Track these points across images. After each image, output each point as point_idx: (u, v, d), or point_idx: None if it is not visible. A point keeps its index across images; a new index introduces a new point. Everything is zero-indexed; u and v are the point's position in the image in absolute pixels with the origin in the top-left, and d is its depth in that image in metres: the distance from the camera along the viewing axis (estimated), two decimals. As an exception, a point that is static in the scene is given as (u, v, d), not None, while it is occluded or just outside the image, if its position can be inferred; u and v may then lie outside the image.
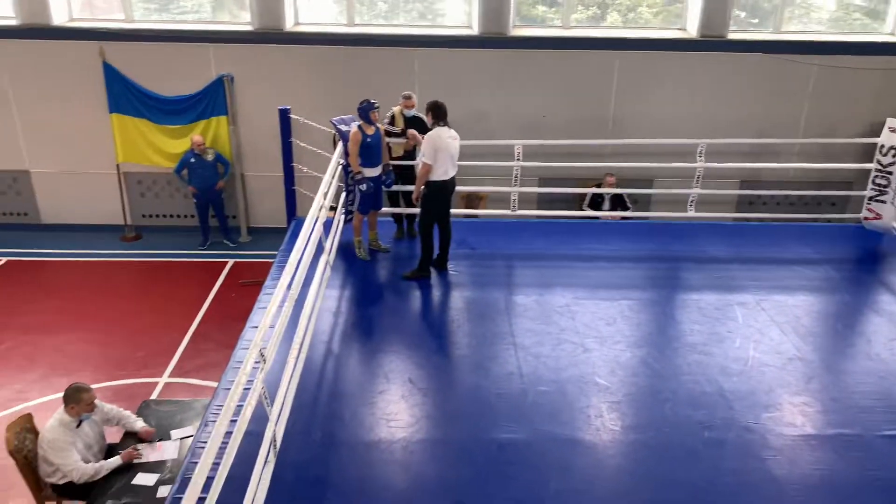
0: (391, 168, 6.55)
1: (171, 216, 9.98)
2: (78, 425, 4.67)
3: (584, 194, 9.01)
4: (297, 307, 4.88)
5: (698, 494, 3.95)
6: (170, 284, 8.66)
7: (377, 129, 6.24)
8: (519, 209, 7.40)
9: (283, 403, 4.34)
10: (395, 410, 4.59)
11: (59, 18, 9.03)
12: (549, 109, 9.37)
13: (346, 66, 9.20)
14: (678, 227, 7.62)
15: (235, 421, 3.55)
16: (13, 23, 8.96)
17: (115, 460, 4.66)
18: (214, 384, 6.57)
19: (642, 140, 8.58)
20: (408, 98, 6.85)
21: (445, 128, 5.95)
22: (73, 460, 4.51)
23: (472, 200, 9.09)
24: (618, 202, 9.06)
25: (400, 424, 4.45)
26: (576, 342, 5.34)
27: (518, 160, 7.09)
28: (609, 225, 8.18)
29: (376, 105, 6.17)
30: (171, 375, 6.86)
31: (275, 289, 6.25)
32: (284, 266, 4.82)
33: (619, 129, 9.39)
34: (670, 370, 5.06)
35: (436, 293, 6.09)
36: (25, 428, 4.85)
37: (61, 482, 4.61)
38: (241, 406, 3.65)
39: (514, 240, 7.16)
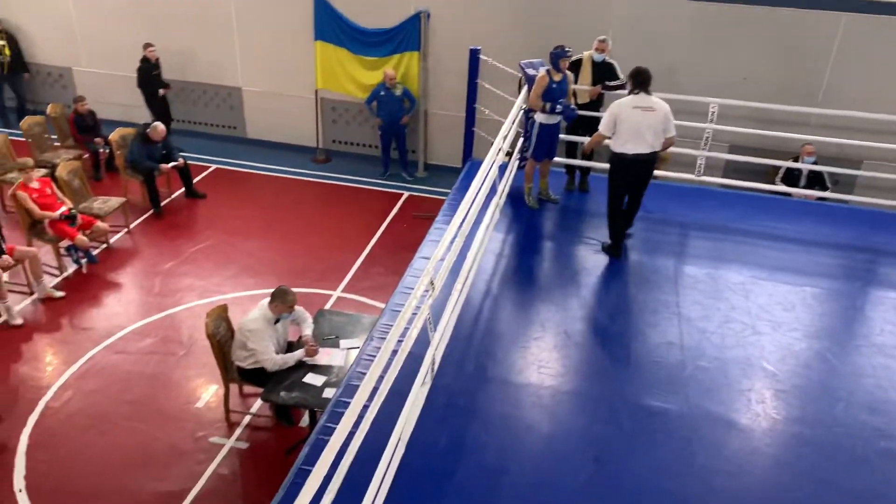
0: (574, 107, 6.32)
1: (358, 144, 10.57)
2: (276, 322, 5.23)
3: (779, 167, 8.32)
4: (465, 245, 5.07)
5: (861, 504, 3.68)
6: (350, 208, 9.25)
7: (565, 76, 6.14)
8: (703, 175, 7.02)
9: (443, 332, 4.59)
10: (548, 359, 4.66)
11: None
12: (752, 70, 8.65)
13: (542, 10, 9.05)
14: (884, 216, 6.85)
15: (401, 341, 3.82)
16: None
17: (300, 353, 5.19)
18: (381, 304, 7.07)
19: (861, 113, 7.64)
20: (602, 41, 6.65)
21: (640, 97, 5.45)
22: (269, 349, 5.09)
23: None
24: (816, 180, 8.28)
25: (550, 372, 4.53)
26: (746, 322, 5.06)
27: (711, 121, 6.68)
28: (803, 204, 7.52)
29: (569, 52, 6.06)
30: (344, 290, 7.41)
31: (446, 225, 6.50)
32: (457, 205, 4.99)
33: (831, 99, 8.47)
34: (850, 368, 4.67)
35: (601, 254, 5.99)
36: (221, 316, 5.53)
37: (250, 367, 5.22)
38: (408, 328, 3.91)
39: (694, 207, 6.82)
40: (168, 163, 8.75)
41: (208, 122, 10.98)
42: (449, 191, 9.47)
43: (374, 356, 4.85)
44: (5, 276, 6.70)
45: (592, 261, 5.87)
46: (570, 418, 4.20)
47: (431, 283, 4.19)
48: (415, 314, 3.99)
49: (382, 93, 9.46)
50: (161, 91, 9.90)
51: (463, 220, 4.90)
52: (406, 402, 3.90)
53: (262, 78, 10.46)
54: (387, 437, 3.67)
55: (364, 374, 4.64)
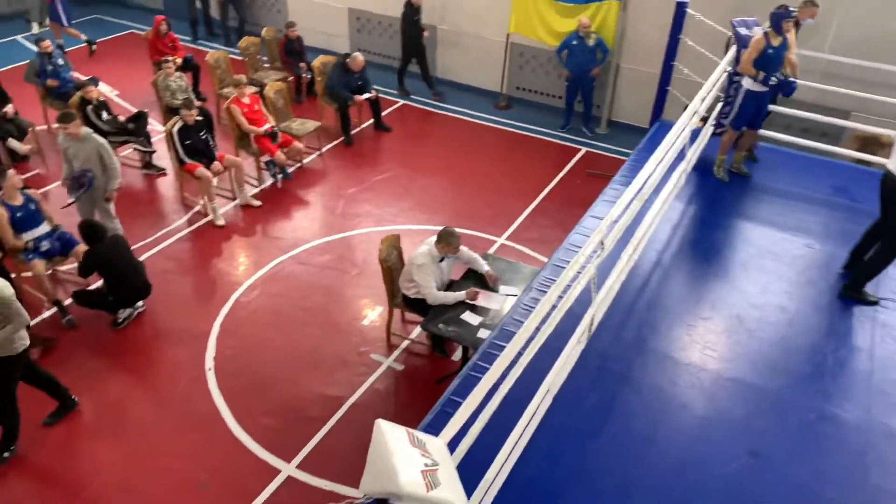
0: (793, 81, 5.81)
1: (541, 93, 10.45)
2: (441, 261, 5.46)
3: None
4: (642, 210, 4.92)
5: None
6: (526, 157, 9.25)
7: (784, 41, 5.61)
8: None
9: (606, 294, 4.54)
10: (715, 341, 4.47)
11: None
12: None
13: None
14: None
15: (562, 297, 3.83)
16: None
17: (461, 294, 5.39)
18: (543, 257, 7.09)
19: None
20: (811, 5, 5.98)
21: None
22: (431, 285, 5.34)
23: (870, 145, 7.82)
24: None
25: (715, 356, 4.34)
26: (954, 340, 4.50)
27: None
28: None
29: (794, 13, 5.52)
30: (508, 238, 7.51)
31: (623, 186, 6.32)
32: (638, 167, 4.82)
33: None
34: None
35: (792, 240, 5.55)
36: (394, 245, 5.84)
37: (413, 296, 5.52)
38: (570, 285, 3.91)
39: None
40: (362, 94, 9.21)
41: (399, 56, 11.33)
42: (630, 151, 9.15)
43: (533, 307, 4.94)
44: (214, 181, 7.51)
45: (781, 246, 5.46)
46: (730, 406, 4.03)
47: (601, 243, 4.14)
48: (580, 272, 3.99)
49: (575, 42, 9.22)
50: (425, 33, 10.19)
51: (644, 184, 4.75)
52: (559, 357, 3.95)
53: (457, 18, 10.57)
54: (535, 387, 3.76)
55: (520, 321, 4.74)
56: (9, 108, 7.99)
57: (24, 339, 4.69)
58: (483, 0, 10.18)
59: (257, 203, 7.82)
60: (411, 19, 9.97)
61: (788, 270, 5.20)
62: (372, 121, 9.70)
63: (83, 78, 8.60)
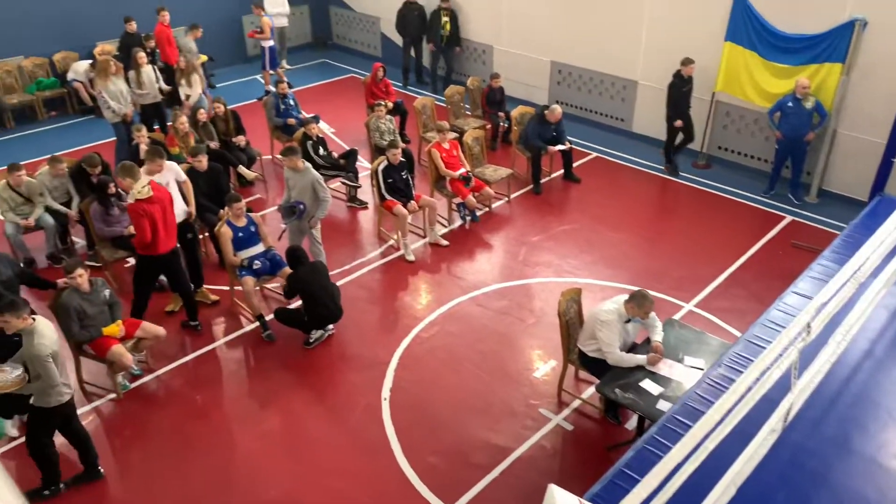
0: None
1: (745, 155, 9.90)
2: (626, 322, 5.32)
3: None
4: (856, 293, 4.45)
5: None
6: (723, 220, 8.77)
7: None
8: None
9: (809, 383, 4.14)
10: (938, 452, 3.88)
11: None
12: None
13: None
14: None
15: (759, 379, 3.55)
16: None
17: (642, 359, 5.21)
18: (734, 330, 6.64)
19: None
20: None
21: None
22: (614, 344, 5.22)
23: None
24: None
25: (938, 470, 3.77)
26: None
27: None
28: None
29: None
30: (697, 305, 7.12)
31: (835, 263, 5.78)
32: (855, 244, 4.39)
33: None
34: None
35: None
36: (574, 299, 5.79)
37: (592, 355, 5.41)
38: (769, 368, 3.62)
39: None
40: (556, 145, 9.32)
41: (596, 110, 11.35)
42: (842, 224, 8.38)
43: (721, 384, 4.64)
44: (409, 218, 7.95)
45: None
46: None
47: (808, 326, 3.80)
48: (781, 355, 3.68)
49: (790, 104, 8.65)
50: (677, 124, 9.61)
51: (862, 265, 4.31)
52: (748, 446, 3.65)
53: (660, 74, 10.38)
54: (718, 475, 3.49)
55: (707, 399, 4.47)
56: (241, 139, 9.09)
57: (60, 396, 4.71)
58: (696, 59, 9.90)
59: (445, 242, 8.16)
60: (681, 90, 9.45)
61: None
62: (562, 171, 9.76)
63: (307, 116, 9.59)
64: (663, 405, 4.82)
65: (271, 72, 12.16)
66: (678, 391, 4.95)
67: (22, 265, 6.43)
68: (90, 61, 10.93)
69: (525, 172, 9.55)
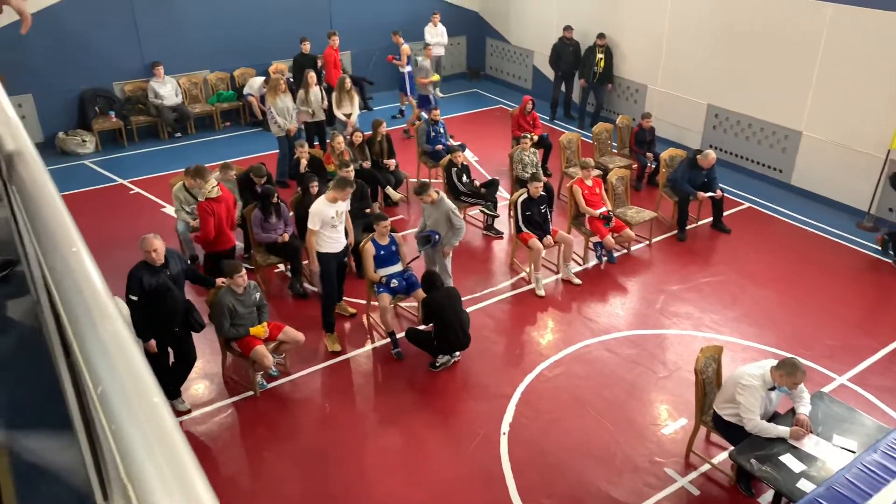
0: None
1: (922, 220, 9.00)
2: (771, 389, 4.97)
3: None
4: None
5: None
6: (889, 288, 7.99)
7: None
8: None
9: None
10: None
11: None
12: None
13: None
14: None
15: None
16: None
17: (784, 430, 4.84)
18: (894, 413, 6.00)
19: None
20: None
21: None
22: (755, 411, 4.88)
23: None
24: None
25: None
26: None
27: None
28: None
29: None
30: (851, 380, 6.51)
31: None
32: None
33: None
34: None
35: None
36: (714, 357, 5.48)
37: (727, 418, 5.10)
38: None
39: None
40: (706, 191, 8.94)
41: (753, 158, 10.77)
42: None
43: (876, 473, 4.21)
44: (543, 253, 7.91)
45: None
46: None
47: None
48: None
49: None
50: None
51: None
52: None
53: (827, 126, 9.70)
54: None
55: (857, 486, 4.08)
56: (391, 162, 9.48)
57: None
58: (861, 111, 9.20)
59: (578, 281, 8.03)
60: None
61: None
62: (710, 219, 9.33)
63: (455, 143, 9.85)
64: (805, 485, 4.43)
65: (407, 100, 12.58)
66: (823, 472, 4.54)
67: (189, 262, 7.05)
68: (264, 78, 11.88)
69: (670, 217, 9.22)
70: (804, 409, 5.02)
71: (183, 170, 8.17)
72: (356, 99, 10.76)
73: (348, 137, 9.43)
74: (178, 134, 11.98)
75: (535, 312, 7.57)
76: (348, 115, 10.53)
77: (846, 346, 6.92)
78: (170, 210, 8.89)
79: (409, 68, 12.15)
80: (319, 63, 11.80)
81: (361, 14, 13.48)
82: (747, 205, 9.93)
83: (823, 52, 9.49)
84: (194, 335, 6.03)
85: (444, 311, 6.42)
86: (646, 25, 11.81)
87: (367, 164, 9.15)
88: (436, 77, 12.14)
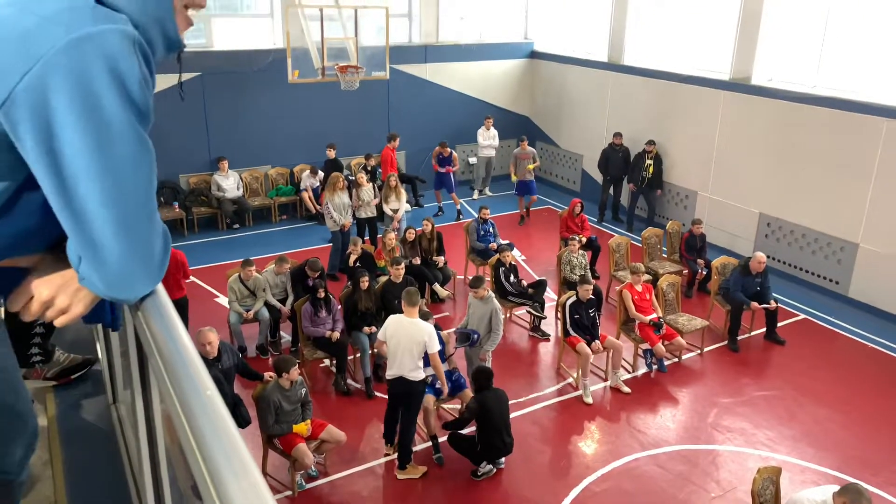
0: None
1: None
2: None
3: None
4: None
5: None
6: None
7: None
8: None
9: None
10: None
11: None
12: None
13: None
14: None
15: None
16: None
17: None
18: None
19: None
20: None
21: None
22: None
23: None
24: None
25: None
26: None
27: None
28: None
29: None
30: (924, 511, 6.08)
31: None
32: None
33: None
34: None
35: None
36: (771, 479, 5.20)
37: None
38: None
39: None
40: (760, 301, 8.75)
41: (808, 269, 10.56)
42: None
43: None
44: (592, 358, 7.78)
45: None
46: None
47: None
48: None
49: None
50: None
51: None
52: None
53: (886, 238, 9.51)
54: None
55: None
56: (440, 259, 9.63)
57: None
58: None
59: (627, 389, 7.82)
60: None
61: None
62: (764, 329, 9.08)
63: (503, 243, 9.98)
64: None
65: (448, 199, 13.04)
66: None
67: (240, 355, 7.17)
68: (310, 168, 12.43)
69: (722, 326, 9.01)
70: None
71: (240, 261, 8.44)
72: (403, 195, 11.13)
73: (401, 234, 9.66)
74: (237, 225, 12.46)
75: (581, 421, 7.36)
76: (395, 211, 10.87)
77: (916, 474, 6.50)
78: (223, 301, 9.12)
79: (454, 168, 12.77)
80: (373, 161, 12.23)
81: (419, 116, 14.11)
82: (803, 316, 9.65)
83: (879, 165, 9.45)
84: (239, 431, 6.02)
85: (493, 413, 6.27)
86: (696, 135, 12.01)
87: (416, 261, 9.31)
88: (531, 165, 12.97)
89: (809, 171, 10.30)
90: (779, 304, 9.05)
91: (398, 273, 8.02)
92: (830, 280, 10.29)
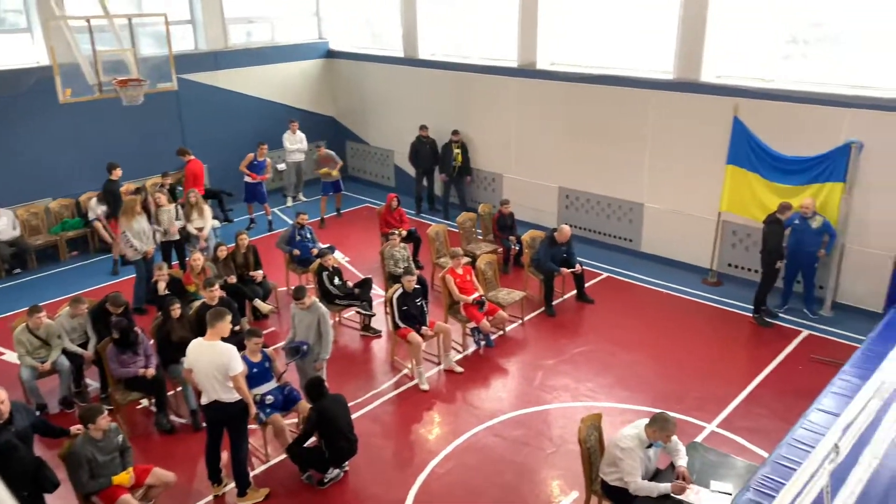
0: None
1: (755, 271, 9.93)
2: (648, 447, 5.17)
3: None
4: (882, 408, 4.33)
5: None
6: (739, 337, 8.70)
7: None
8: None
9: (843, 507, 3.95)
10: None
11: (706, 76, 9.96)
12: None
13: None
14: None
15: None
16: (669, 77, 10.30)
17: (666, 487, 5.02)
18: (759, 450, 6.42)
19: None
20: None
21: None
22: (636, 472, 5.05)
23: None
24: None
25: None
26: None
27: None
28: None
29: None
30: (719, 426, 6.92)
31: (856, 378, 5.68)
32: (874, 355, 4.35)
33: None
34: None
35: None
36: (595, 425, 5.65)
37: (613, 483, 5.22)
38: (800, 494, 3.48)
39: None
40: (568, 267, 9.46)
41: (605, 231, 11.59)
42: (858, 337, 8.30)
43: (751, 513, 4.43)
44: (423, 346, 7.94)
45: None
46: None
47: (836, 447, 3.68)
48: (811, 478, 3.54)
49: (797, 221, 8.80)
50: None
51: (886, 379, 4.23)
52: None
53: (665, 196, 10.69)
54: None
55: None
56: (258, 274, 9.29)
57: None
58: (692, 180, 10.26)
59: (460, 369, 8.09)
60: (783, 230, 8.75)
61: None
62: (574, 292, 9.83)
63: (323, 246, 9.85)
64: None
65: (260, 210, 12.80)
66: (708, 522, 4.73)
67: (37, 413, 6.39)
68: (97, 195, 11.31)
69: (538, 295, 9.62)
70: (682, 461, 5.25)
71: (26, 310, 7.51)
72: (208, 212, 10.61)
73: (210, 253, 9.20)
74: (17, 270, 11.09)
75: (420, 408, 7.50)
76: (200, 229, 10.35)
77: (711, 396, 7.39)
78: (12, 357, 8.08)
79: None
80: (170, 180, 11.43)
81: (217, 127, 13.49)
82: (606, 275, 10.58)
83: (651, 132, 10.58)
84: (47, 497, 5.39)
85: (335, 418, 6.18)
86: (495, 121, 12.68)
87: (232, 279, 8.91)
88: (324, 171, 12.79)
89: (596, 144, 11.29)
90: (584, 268, 9.84)
91: (213, 295, 7.60)
92: (625, 239, 11.37)
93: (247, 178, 12.49)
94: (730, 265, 10.25)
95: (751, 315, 9.11)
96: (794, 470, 3.41)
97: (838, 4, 9.03)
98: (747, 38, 9.80)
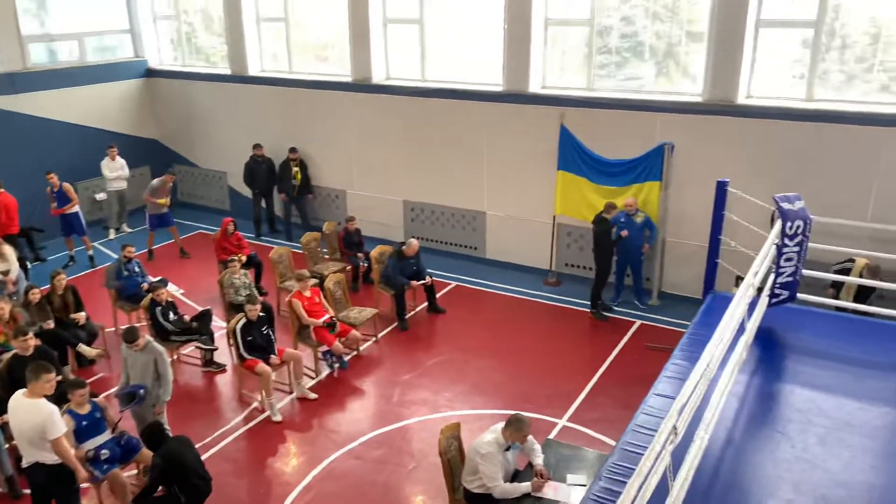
0: None
1: (590, 268, 10.55)
2: (506, 449, 5.25)
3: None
4: (708, 387, 4.71)
5: None
6: (579, 332, 9.18)
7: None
8: None
9: (683, 483, 4.22)
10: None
11: (534, 87, 10.46)
12: None
13: (799, 144, 8.60)
14: None
15: (641, 489, 3.58)
16: (499, 89, 10.69)
17: (526, 486, 5.13)
18: (607, 439, 6.76)
19: None
20: None
21: None
22: (498, 476, 5.10)
23: None
24: None
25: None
26: None
27: None
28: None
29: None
30: (570, 420, 7.24)
31: (686, 361, 6.13)
32: (699, 340, 4.70)
33: None
34: None
35: (870, 409, 5.19)
36: (454, 435, 5.67)
37: (476, 490, 5.25)
38: (647, 476, 3.67)
39: None
40: (417, 279, 9.50)
41: (452, 241, 11.80)
42: (684, 322, 9.01)
43: (605, 497, 4.63)
44: (273, 376, 7.59)
45: (859, 417, 5.09)
46: None
47: (675, 428, 3.93)
48: (656, 461, 3.75)
49: (622, 220, 9.47)
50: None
51: (710, 361, 4.59)
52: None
53: (504, 203, 11.09)
54: None
55: (593, 519, 4.41)
56: (80, 316, 8.41)
57: None
58: (527, 187, 10.72)
59: (313, 395, 7.82)
60: (610, 231, 9.29)
61: (872, 444, 4.82)
62: (426, 304, 9.89)
63: (154, 280, 9.13)
64: (554, 531, 4.71)
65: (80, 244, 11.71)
66: (568, 514, 4.89)
67: None
68: None
69: (390, 310, 9.55)
70: (538, 459, 5.40)
71: None
72: (11, 253, 9.39)
73: (20, 298, 8.19)
74: None
75: (274, 441, 7.14)
76: (6, 273, 9.16)
77: (559, 392, 7.71)
78: None
79: (76, 209, 11.25)
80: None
81: (20, 158, 12.10)
82: (454, 284, 10.76)
83: (487, 142, 10.93)
84: None
85: (183, 458, 5.66)
86: (334, 137, 12.47)
87: (49, 324, 7.96)
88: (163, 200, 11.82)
89: (437, 156, 11.46)
90: (434, 279, 9.93)
91: (26, 345, 6.68)
92: (470, 247, 11.65)
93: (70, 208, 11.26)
94: (567, 265, 10.81)
95: (589, 310, 9.66)
96: (640, 455, 3.58)
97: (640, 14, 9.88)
98: (569, 50, 10.44)
